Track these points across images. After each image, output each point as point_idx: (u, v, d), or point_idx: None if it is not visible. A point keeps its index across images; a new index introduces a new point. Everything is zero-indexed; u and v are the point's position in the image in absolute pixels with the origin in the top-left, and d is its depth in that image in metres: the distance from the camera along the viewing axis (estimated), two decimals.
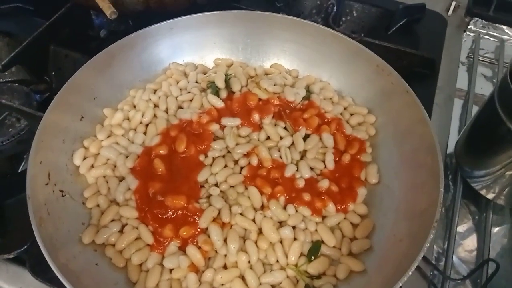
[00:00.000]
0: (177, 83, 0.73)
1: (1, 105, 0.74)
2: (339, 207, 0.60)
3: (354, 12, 0.98)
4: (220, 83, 0.70)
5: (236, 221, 0.58)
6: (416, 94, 0.63)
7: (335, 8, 0.95)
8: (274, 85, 0.71)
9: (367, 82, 0.70)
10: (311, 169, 0.63)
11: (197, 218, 0.58)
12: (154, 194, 0.59)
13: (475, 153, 0.67)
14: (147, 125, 0.68)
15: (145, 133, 0.67)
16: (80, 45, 0.87)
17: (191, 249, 0.56)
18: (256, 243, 0.57)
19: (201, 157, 0.63)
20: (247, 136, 0.66)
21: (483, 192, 0.67)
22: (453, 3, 1.01)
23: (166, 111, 0.69)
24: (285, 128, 0.67)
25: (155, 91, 0.72)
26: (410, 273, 0.47)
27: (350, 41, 0.71)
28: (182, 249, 0.57)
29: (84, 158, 0.63)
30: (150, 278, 0.54)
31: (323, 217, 0.60)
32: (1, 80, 0.83)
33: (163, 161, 0.61)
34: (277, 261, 0.56)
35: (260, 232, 0.58)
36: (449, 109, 0.81)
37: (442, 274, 0.61)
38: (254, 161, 0.63)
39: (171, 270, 0.55)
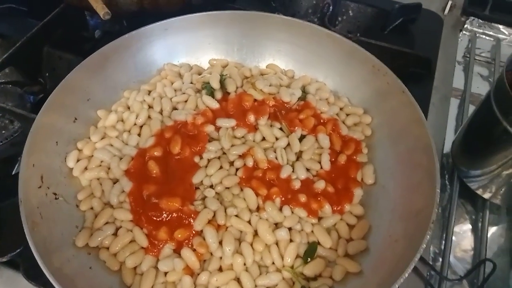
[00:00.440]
0: (172, 84, 0.73)
1: None
2: (335, 208, 0.60)
3: (350, 12, 0.98)
4: (215, 84, 0.70)
5: (232, 223, 0.57)
6: (412, 94, 0.62)
7: (331, 8, 0.94)
8: (270, 85, 0.70)
9: (363, 82, 0.70)
10: (307, 170, 0.63)
11: (192, 221, 0.57)
12: (148, 196, 0.59)
13: (472, 152, 0.67)
14: (141, 126, 0.67)
15: (139, 135, 0.66)
16: (74, 46, 0.87)
17: (186, 252, 0.55)
18: (251, 245, 0.56)
19: (196, 159, 0.62)
20: (242, 137, 0.65)
21: (479, 191, 0.67)
22: (449, 3, 1.01)
23: (161, 112, 0.69)
24: (280, 129, 0.66)
25: (149, 92, 0.72)
26: (407, 275, 0.47)
27: (346, 41, 0.71)
28: (177, 251, 0.56)
29: (78, 160, 0.63)
30: (145, 281, 0.54)
31: (319, 218, 0.60)
32: None
33: (158, 163, 0.61)
34: (273, 263, 0.56)
35: (255, 234, 0.57)
36: (445, 109, 0.81)
37: (439, 274, 0.61)
38: (250, 163, 0.62)
39: (165, 273, 0.55)
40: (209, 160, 0.63)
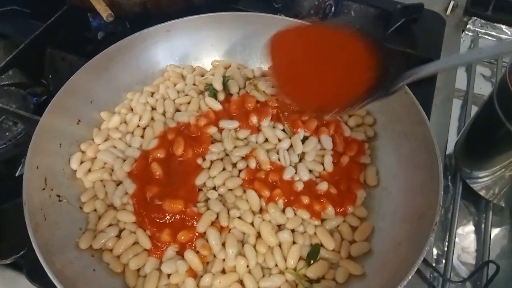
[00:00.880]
0: (175, 85, 0.73)
1: None
2: (338, 210, 0.60)
3: (352, 13, 0.98)
4: (218, 86, 0.70)
5: (235, 225, 0.57)
6: (414, 94, 0.62)
7: (333, 8, 0.94)
8: (272, 87, 0.70)
9: None
10: (310, 171, 0.63)
11: (195, 222, 0.57)
12: (151, 198, 0.59)
13: (474, 154, 0.67)
14: (144, 128, 0.67)
15: (142, 137, 0.66)
16: (77, 47, 0.87)
17: (189, 254, 0.55)
18: (254, 247, 0.56)
19: (199, 160, 0.62)
20: (245, 138, 0.65)
21: (482, 193, 0.67)
22: (451, 3, 1.01)
23: (164, 114, 0.69)
24: (283, 130, 0.66)
25: (152, 94, 0.72)
26: (410, 277, 0.47)
27: None
28: (180, 254, 0.56)
29: (81, 162, 0.63)
30: (148, 284, 0.54)
31: (322, 220, 0.59)
32: None
33: (161, 165, 0.61)
34: (276, 265, 0.56)
35: (258, 235, 0.57)
36: (448, 110, 0.81)
37: (442, 276, 0.61)
38: (252, 164, 0.62)
39: (169, 275, 0.55)
40: (212, 162, 0.63)
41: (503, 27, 0.95)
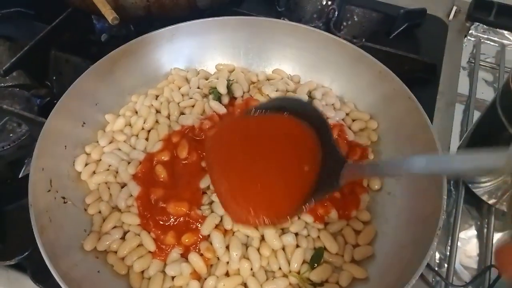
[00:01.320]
0: (179, 88, 0.73)
1: (2, 110, 0.74)
2: (341, 214, 0.60)
3: (355, 17, 0.98)
4: (222, 89, 0.70)
5: (239, 228, 0.58)
6: (417, 99, 0.63)
7: (336, 13, 0.95)
8: (276, 90, 0.71)
9: (369, 87, 0.70)
10: None
11: (199, 225, 0.57)
12: (156, 200, 0.59)
13: None
14: (149, 131, 0.67)
15: (147, 139, 0.66)
16: (81, 49, 0.87)
17: (193, 256, 0.55)
18: (258, 250, 0.56)
19: (203, 163, 0.62)
20: None
21: (485, 197, 0.67)
22: (454, 8, 1.01)
23: (168, 117, 0.69)
24: None
25: (156, 96, 0.72)
26: (414, 281, 0.47)
27: (352, 47, 0.71)
28: (184, 256, 0.57)
29: (86, 165, 0.63)
30: (152, 286, 0.54)
31: (326, 224, 0.60)
32: (2, 85, 0.82)
33: (165, 168, 0.61)
34: (280, 268, 0.56)
35: (262, 239, 0.58)
36: (450, 114, 0.81)
37: (444, 280, 0.61)
38: None
39: (173, 278, 0.55)
40: None
41: (505, 32, 0.96)
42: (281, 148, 0.48)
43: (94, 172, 0.63)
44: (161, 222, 0.58)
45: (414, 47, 0.94)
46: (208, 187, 0.61)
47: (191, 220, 0.58)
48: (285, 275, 0.56)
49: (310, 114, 0.50)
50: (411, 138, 0.63)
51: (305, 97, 0.70)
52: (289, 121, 0.50)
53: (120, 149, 0.65)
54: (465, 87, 0.87)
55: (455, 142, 0.77)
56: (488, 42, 0.96)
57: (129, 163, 0.63)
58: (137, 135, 0.67)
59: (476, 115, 0.81)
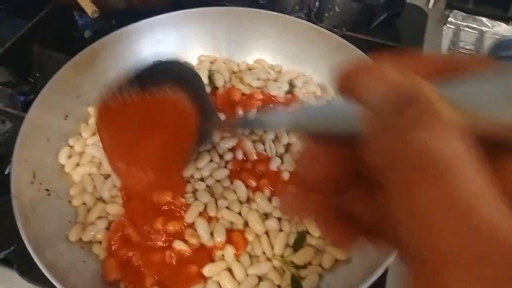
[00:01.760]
0: None
1: None
2: None
3: (336, 8, 0.99)
4: (204, 79, 0.71)
5: (223, 215, 0.58)
6: None
7: (317, 4, 0.96)
8: (258, 79, 0.71)
9: None
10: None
11: (183, 213, 0.58)
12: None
13: None
14: None
15: None
16: (64, 45, 0.87)
17: (178, 243, 0.56)
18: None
19: None
20: None
21: None
22: None
23: None
24: None
25: None
26: (392, 259, 0.48)
27: (333, 36, 0.72)
28: (170, 244, 0.57)
29: (70, 157, 0.63)
30: None
31: None
32: None
33: None
34: (264, 252, 0.57)
35: (246, 225, 0.58)
36: None
37: None
38: (239, 155, 0.63)
39: None
40: (198, 154, 0.64)
41: (484, 19, 0.97)
42: (162, 122, 0.52)
43: (77, 164, 0.63)
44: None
45: (394, 35, 0.95)
46: (191, 176, 0.62)
47: (175, 208, 0.58)
48: (269, 259, 0.56)
49: (186, 73, 0.57)
50: None
51: (282, 85, 0.71)
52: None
53: None
54: None
55: None
56: (467, 29, 0.97)
57: None
58: None
59: None
